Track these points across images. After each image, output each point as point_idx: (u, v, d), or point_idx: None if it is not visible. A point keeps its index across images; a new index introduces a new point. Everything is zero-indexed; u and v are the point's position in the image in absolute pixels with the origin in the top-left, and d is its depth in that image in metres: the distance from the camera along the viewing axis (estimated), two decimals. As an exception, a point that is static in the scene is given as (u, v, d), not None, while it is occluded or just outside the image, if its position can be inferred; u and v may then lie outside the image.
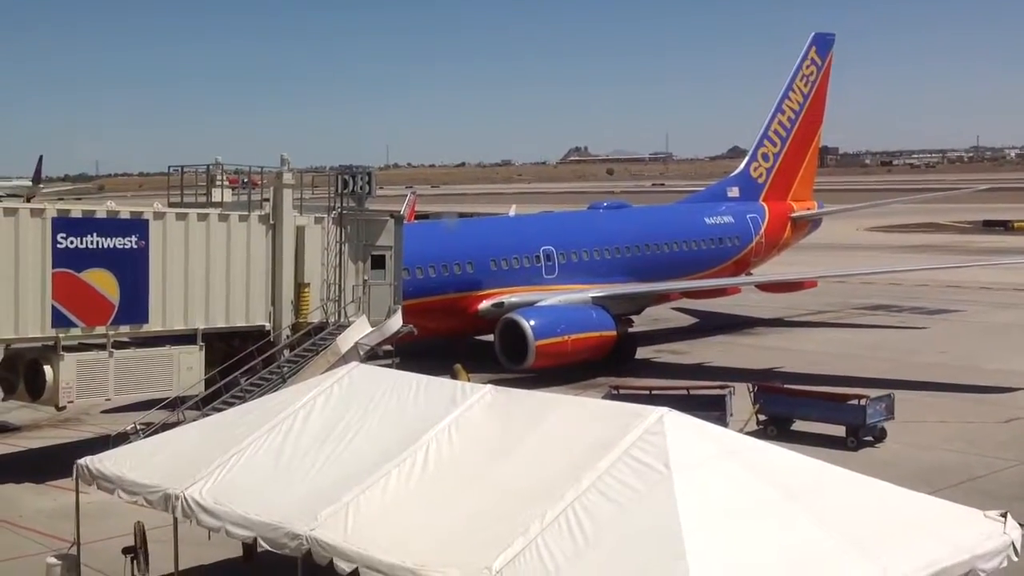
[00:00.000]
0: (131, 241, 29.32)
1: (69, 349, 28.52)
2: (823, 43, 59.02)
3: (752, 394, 32.27)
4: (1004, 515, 15.27)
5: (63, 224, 28.36)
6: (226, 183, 33.29)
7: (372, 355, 31.92)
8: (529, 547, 13.69)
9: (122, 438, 24.77)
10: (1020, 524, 15.30)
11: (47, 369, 28.15)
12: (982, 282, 64.69)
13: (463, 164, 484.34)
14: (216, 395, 29.05)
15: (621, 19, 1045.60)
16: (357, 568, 14.43)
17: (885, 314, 56.51)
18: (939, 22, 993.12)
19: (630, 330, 44.95)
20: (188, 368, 29.85)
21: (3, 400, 30.73)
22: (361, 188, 33.25)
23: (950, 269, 65.64)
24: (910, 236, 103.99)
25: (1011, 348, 45.56)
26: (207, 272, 30.63)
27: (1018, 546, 14.93)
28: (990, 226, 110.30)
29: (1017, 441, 30.75)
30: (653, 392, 32.04)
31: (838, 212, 70.84)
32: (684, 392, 32.21)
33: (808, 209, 59.33)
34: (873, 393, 31.48)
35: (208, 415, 25.59)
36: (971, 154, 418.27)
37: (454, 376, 30.98)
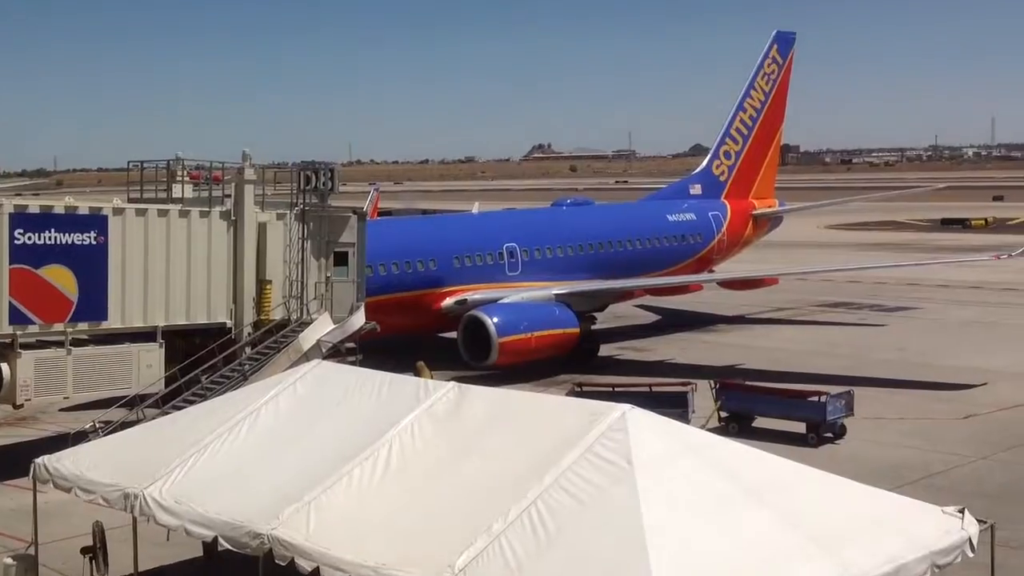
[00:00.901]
0: (90, 237, 28.99)
1: (26, 347, 28.15)
2: (784, 42, 59.44)
3: (714, 391, 32.44)
4: (962, 511, 15.45)
5: (20, 220, 27.98)
6: (187, 179, 33.01)
7: (335, 352, 31.79)
8: (492, 545, 13.69)
9: (81, 437, 24.52)
10: (977, 520, 15.50)
11: (4, 367, 27.72)
12: (940, 280, 65.42)
13: (426, 161, 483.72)
14: (176, 393, 28.79)
15: (584, 16, 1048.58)
16: (318, 567, 14.37)
17: (845, 311, 57.01)
18: (898, 22, 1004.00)
19: (593, 327, 45.05)
20: (148, 366, 29.56)
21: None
22: (324, 184, 33.12)
23: (909, 267, 66.34)
24: (869, 234, 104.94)
25: (969, 345, 46.09)
26: (167, 269, 30.36)
27: (975, 542, 15.12)
28: (948, 224, 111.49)
29: (975, 438, 31.11)
30: (616, 389, 32.09)
31: (799, 210, 71.44)
32: (647, 389, 32.31)
33: (769, 207, 59.77)
34: (833, 390, 31.70)
35: (168, 413, 25.37)
36: (929, 153, 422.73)
37: (417, 373, 30.92)
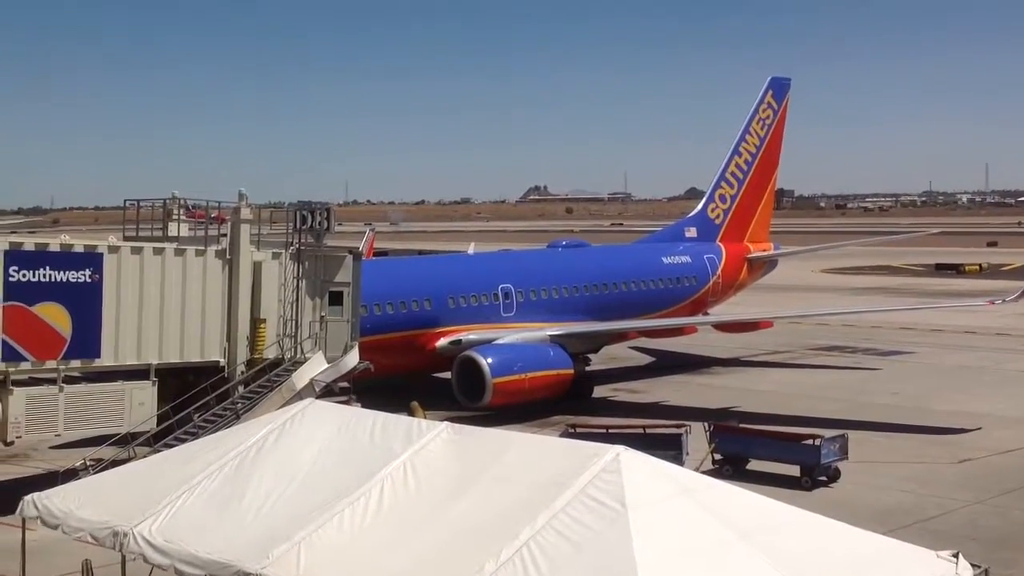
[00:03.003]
0: (85, 275, 29.00)
1: (19, 383, 28.08)
2: (780, 87, 59.92)
3: (708, 433, 32.37)
4: (956, 555, 15.39)
5: (16, 257, 28.03)
6: (183, 217, 33.07)
7: (328, 392, 31.70)
8: (484, 586, 13.58)
9: (71, 474, 24.38)
10: (971, 564, 15.43)
11: (-5, 403, 27.65)
12: (934, 324, 65.51)
13: (423, 202, 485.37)
14: (168, 431, 28.70)
15: (581, 59, 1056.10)
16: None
17: (839, 355, 57.03)
18: (894, 68, 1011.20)
19: (587, 368, 45.03)
20: (140, 404, 29.48)
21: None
22: (320, 224, 33.21)
23: (903, 311, 66.45)
24: (864, 278, 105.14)
25: (962, 390, 46.08)
26: (162, 307, 30.34)
27: (969, 586, 15.04)
28: (942, 269, 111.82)
29: (969, 482, 31.04)
30: (610, 431, 32.03)
31: (793, 253, 71.68)
32: (640, 431, 32.23)
33: (764, 250, 59.96)
34: (827, 433, 31.67)
35: (160, 451, 25.25)
36: (924, 198, 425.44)
37: (411, 413, 30.84)
